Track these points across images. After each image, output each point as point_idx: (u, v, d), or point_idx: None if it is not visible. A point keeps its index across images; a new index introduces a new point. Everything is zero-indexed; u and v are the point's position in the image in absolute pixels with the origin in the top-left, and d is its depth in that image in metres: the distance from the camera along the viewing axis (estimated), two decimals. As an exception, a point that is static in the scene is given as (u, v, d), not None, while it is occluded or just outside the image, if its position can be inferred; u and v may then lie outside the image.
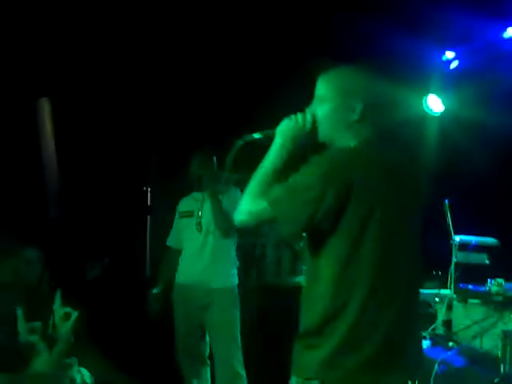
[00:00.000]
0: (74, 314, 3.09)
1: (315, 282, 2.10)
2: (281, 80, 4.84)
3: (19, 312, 3.41)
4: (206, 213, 4.17)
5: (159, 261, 4.54)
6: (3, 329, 3.21)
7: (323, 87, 2.20)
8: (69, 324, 3.15)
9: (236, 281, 4.21)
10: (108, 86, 5.16)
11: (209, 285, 4.13)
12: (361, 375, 2.02)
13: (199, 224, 4.17)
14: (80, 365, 3.62)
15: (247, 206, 2.12)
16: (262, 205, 2.08)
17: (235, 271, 4.23)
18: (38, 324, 3.87)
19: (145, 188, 5.12)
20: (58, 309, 3.21)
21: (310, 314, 2.11)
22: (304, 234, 2.22)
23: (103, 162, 5.38)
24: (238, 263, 4.26)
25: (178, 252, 4.35)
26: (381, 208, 2.04)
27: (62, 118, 5.46)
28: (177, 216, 4.38)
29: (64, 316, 3.18)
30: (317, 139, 2.22)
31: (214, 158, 4.24)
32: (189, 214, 4.26)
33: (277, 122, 2.25)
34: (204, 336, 4.23)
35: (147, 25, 4.64)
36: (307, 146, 2.24)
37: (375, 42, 4.55)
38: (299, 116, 2.21)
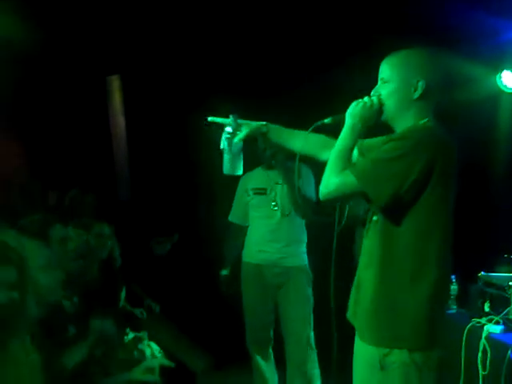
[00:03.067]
0: None
1: (390, 259, 2.22)
2: (347, 59, 4.76)
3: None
4: (283, 192, 4.06)
5: (222, 239, 4.50)
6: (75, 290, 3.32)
7: (387, 69, 2.32)
8: None
9: (307, 259, 4.18)
10: (178, 65, 5.19)
11: (285, 264, 4.10)
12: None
13: (276, 203, 4.08)
14: (150, 339, 3.71)
15: (333, 179, 2.21)
16: (349, 177, 2.19)
17: (305, 249, 4.20)
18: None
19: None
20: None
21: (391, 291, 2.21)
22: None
23: (171, 140, 5.43)
24: (306, 239, 4.20)
25: (241, 228, 4.29)
26: (451, 194, 2.23)
27: (132, 95, 5.53)
28: (244, 192, 4.26)
29: None
30: (383, 119, 2.35)
31: None
32: (262, 192, 4.15)
33: (340, 103, 2.38)
34: (274, 318, 4.21)
35: (212, 11, 4.65)
36: (374, 126, 2.37)
37: (448, 17, 4.42)
38: (366, 98, 2.32)
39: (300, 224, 4.16)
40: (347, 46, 4.78)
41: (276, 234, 4.11)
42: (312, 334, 4.10)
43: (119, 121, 5.68)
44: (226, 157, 2.52)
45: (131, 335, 3.71)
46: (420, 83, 2.25)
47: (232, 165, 2.52)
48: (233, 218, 4.36)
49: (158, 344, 3.72)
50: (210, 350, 4.40)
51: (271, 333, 4.25)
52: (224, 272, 4.35)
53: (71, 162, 5.29)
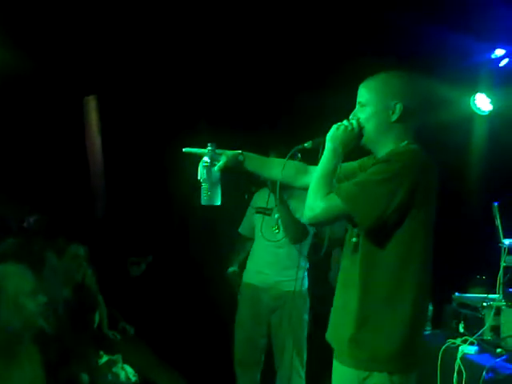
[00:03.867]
0: None
1: (370, 281, 2.23)
2: (324, 83, 4.79)
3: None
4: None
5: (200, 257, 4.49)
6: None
7: (365, 93, 2.33)
8: None
9: (307, 283, 4.11)
10: (154, 85, 5.19)
11: (281, 288, 4.03)
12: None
13: (278, 226, 4.00)
14: (125, 362, 3.67)
15: (318, 202, 2.20)
16: (334, 200, 2.18)
17: (306, 273, 4.09)
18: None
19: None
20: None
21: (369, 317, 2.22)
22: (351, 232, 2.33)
23: (147, 160, 5.42)
24: (308, 265, 4.10)
25: (249, 240, 4.29)
26: (432, 217, 2.25)
27: (108, 115, 5.52)
28: (252, 208, 4.24)
29: None
30: (362, 142, 2.36)
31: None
32: (266, 212, 4.05)
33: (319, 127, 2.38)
34: (266, 342, 4.14)
35: (196, 27, 4.66)
36: (354, 149, 2.37)
37: (422, 39, 4.48)
38: (346, 122, 2.33)
39: (301, 246, 4.04)
40: (324, 71, 4.81)
41: (276, 256, 4.06)
42: (304, 360, 4.05)
43: (95, 140, 5.67)
44: (205, 187, 2.45)
45: (105, 358, 3.67)
46: (398, 106, 2.26)
47: (210, 195, 2.45)
48: (242, 230, 4.40)
49: (133, 367, 3.69)
50: (186, 374, 4.36)
51: (262, 357, 4.17)
52: (231, 269, 4.32)
53: (47, 181, 5.26)
